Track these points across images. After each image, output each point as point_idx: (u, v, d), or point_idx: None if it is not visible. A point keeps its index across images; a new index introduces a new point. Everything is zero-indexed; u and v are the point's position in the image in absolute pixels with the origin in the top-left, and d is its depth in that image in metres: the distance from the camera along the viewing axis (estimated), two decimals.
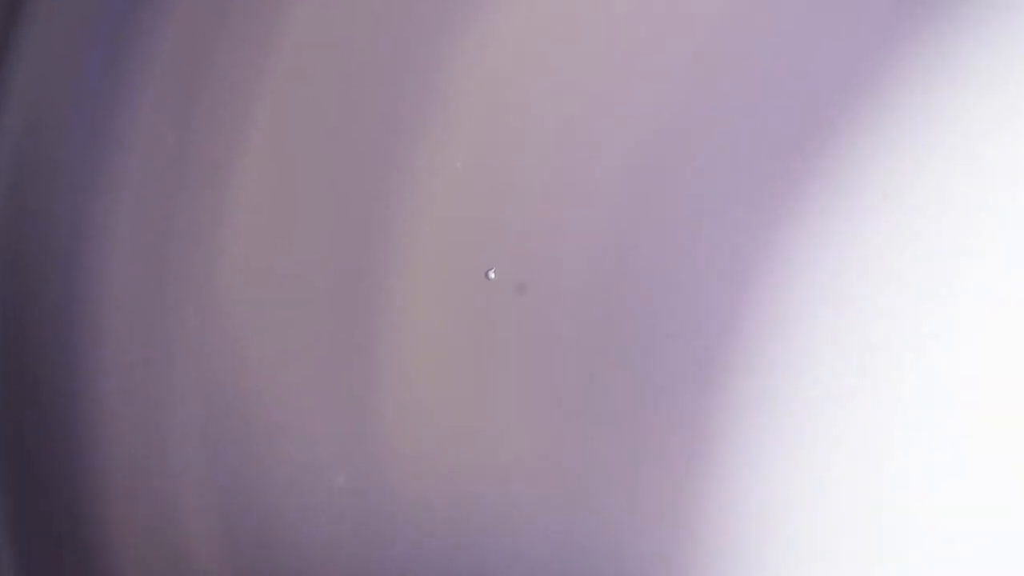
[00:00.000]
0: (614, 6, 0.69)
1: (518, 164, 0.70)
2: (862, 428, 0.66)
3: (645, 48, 0.68)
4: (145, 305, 0.75)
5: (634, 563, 0.68)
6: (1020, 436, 0.65)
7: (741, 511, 0.67)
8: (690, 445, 0.67)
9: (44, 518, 0.76)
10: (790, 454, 0.66)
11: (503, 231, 0.70)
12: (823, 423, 0.66)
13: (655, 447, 0.68)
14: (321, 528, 0.73)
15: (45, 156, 0.75)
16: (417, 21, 0.71)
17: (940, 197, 0.64)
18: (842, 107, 0.65)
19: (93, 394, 0.75)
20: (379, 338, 0.72)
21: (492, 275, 0.70)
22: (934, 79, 0.64)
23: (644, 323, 0.68)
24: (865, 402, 0.66)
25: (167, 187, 0.74)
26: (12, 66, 0.75)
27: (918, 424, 0.66)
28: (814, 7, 0.66)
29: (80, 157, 0.75)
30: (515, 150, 0.70)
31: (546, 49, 0.70)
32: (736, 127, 0.67)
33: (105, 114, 0.74)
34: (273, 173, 0.73)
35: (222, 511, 0.74)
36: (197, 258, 0.74)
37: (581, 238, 0.69)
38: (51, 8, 0.75)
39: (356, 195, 0.72)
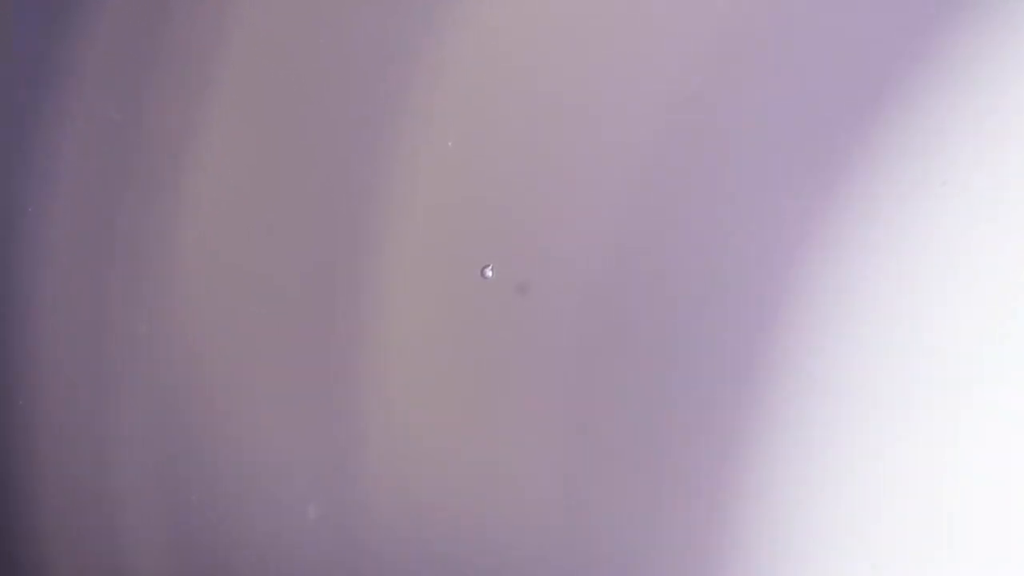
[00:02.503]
0: None
1: (517, 160, 0.67)
2: (914, 437, 0.62)
3: (659, 36, 0.66)
4: (87, 309, 0.73)
5: None
6: None
7: (754, 518, 0.64)
8: (701, 451, 0.65)
9: None
10: (807, 457, 0.63)
11: (502, 229, 0.68)
12: (846, 424, 0.63)
13: (665, 458, 0.65)
14: (290, 565, 0.71)
15: None
16: None
17: (1001, 183, 0.61)
18: (895, 93, 0.62)
19: (29, 408, 0.74)
20: (359, 348, 0.70)
21: (489, 273, 0.67)
22: (995, 64, 0.61)
23: (649, 325, 0.65)
24: (914, 407, 0.61)
25: (113, 171, 0.73)
26: None
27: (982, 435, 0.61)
28: None
29: (11, 138, 0.73)
30: (513, 145, 0.68)
31: (550, 40, 0.67)
32: (760, 119, 0.64)
33: (40, 87, 0.73)
34: (237, 156, 0.71)
35: (176, 544, 0.73)
36: (148, 254, 0.72)
37: (584, 237, 0.66)
38: None
39: (333, 181, 0.70)
